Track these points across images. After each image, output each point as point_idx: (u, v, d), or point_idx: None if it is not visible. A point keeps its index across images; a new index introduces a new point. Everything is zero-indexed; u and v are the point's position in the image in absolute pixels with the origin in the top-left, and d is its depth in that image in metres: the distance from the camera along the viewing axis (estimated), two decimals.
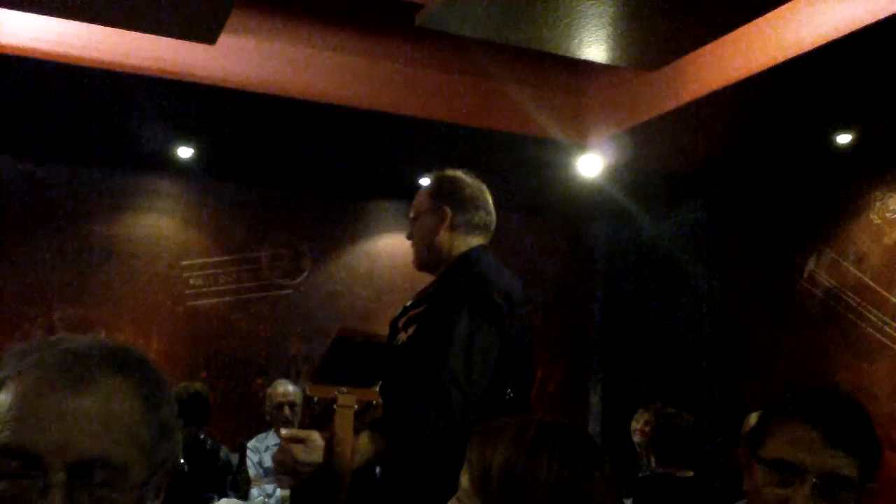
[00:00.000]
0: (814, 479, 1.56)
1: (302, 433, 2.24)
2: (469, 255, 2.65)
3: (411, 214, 2.76)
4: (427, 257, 2.70)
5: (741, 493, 1.77)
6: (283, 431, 2.27)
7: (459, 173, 2.78)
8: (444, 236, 2.65)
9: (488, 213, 2.74)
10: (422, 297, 2.65)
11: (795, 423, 1.61)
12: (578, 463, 1.45)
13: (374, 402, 2.30)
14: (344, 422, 2.22)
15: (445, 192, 2.71)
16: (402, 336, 2.54)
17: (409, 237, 2.76)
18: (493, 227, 2.76)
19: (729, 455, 5.98)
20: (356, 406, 2.25)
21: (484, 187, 2.77)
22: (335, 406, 2.24)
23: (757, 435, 1.68)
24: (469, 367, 2.33)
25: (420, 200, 2.75)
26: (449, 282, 2.57)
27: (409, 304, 2.66)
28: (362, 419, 2.26)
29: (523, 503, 1.42)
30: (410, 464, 2.31)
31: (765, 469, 1.62)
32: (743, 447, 1.72)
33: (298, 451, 2.19)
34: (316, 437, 2.22)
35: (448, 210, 2.66)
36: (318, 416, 2.33)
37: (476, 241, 2.69)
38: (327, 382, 2.30)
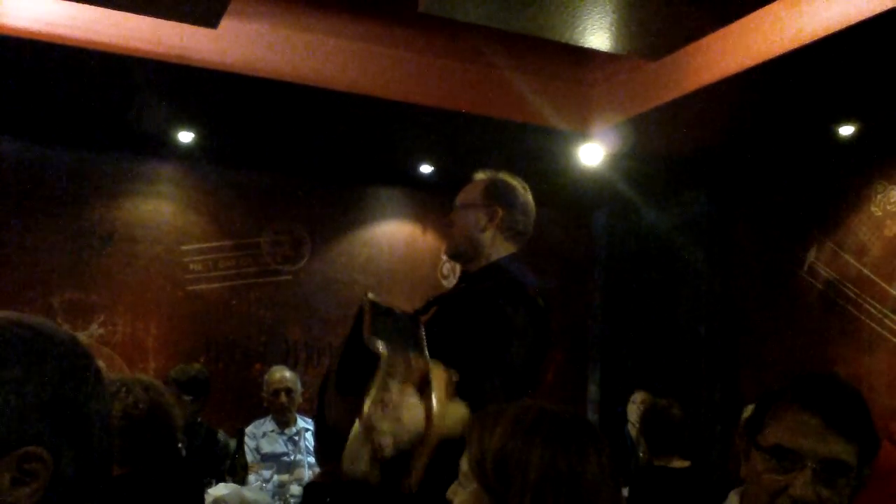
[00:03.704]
0: (813, 465, 1.56)
1: (404, 392, 2.18)
2: (507, 263, 2.70)
3: (458, 202, 2.78)
4: (465, 250, 2.73)
5: (738, 482, 1.76)
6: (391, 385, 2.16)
7: (514, 180, 2.81)
8: (488, 235, 2.69)
9: (529, 223, 2.78)
10: (450, 292, 2.77)
11: (795, 409, 1.60)
12: (574, 448, 1.45)
13: (454, 378, 2.28)
14: (441, 387, 2.20)
15: (501, 193, 2.74)
16: (423, 318, 2.54)
17: (449, 224, 2.78)
18: (529, 236, 2.81)
19: (728, 444, 5.99)
20: (450, 378, 2.25)
21: (530, 197, 2.81)
22: (431, 374, 2.21)
23: (755, 421, 1.67)
24: (528, 362, 2.43)
25: (472, 191, 2.77)
26: (492, 280, 2.62)
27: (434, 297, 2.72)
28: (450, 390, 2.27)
29: (516, 485, 1.42)
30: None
31: (764, 456, 1.61)
32: (741, 434, 1.71)
33: (405, 414, 2.14)
34: (416, 398, 2.18)
35: (500, 211, 2.70)
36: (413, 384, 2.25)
37: (512, 247, 2.74)
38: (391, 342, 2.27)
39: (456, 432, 2.08)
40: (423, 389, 2.20)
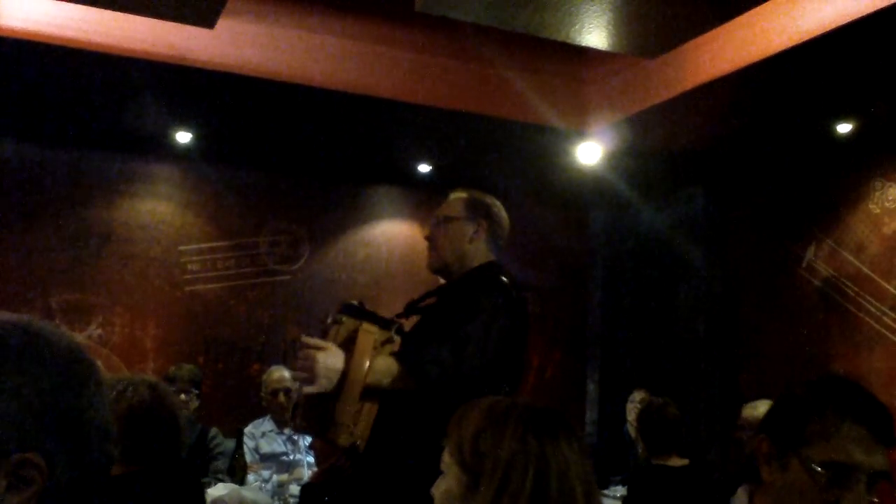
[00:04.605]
0: (866, 479, 1.59)
1: (323, 342, 2.43)
2: (491, 266, 2.83)
3: (441, 217, 2.88)
4: (452, 262, 2.83)
5: (740, 480, 1.76)
6: (306, 338, 2.44)
7: (488, 196, 2.96)
8: (473, 246, 2.83)
9: (505, 235, 2.96)
10: (431, 293, 2.86)
11: (849, 423, 1.61)
12: (544, 432, 1.54)
13: (393, 337, 2.51)
14: (365, 342, 2.42)
15: (482, 208, 2.88)
16: (404, 321, 2.70)
17: (431, 238, 2.88)
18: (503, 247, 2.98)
19: (727, 442, 5.99)
20: (379, 336, 2.47)
21: (504, 212, 2.97)
22: (359, 330, 2.43)
23: (794, 432, 1.66)
24: (488, 336, 2.52)
25: (454, 206, 2.89)
26: (476, 279, 2.76)
27: (414, 300, 2.86)
28: (382, 350, 2.47)
29: (489, 465, 1.52)
30: (415, 401, 2.46)
31: (815, 471, 1.61)
32: (765, 440, 1.69)
33: (320, 355, 2.37)
34: (337, 349, 2.41)
35: (485, 223, 2.85)
36: (341, 345, 2.48)
37: (492, 257, 2.87)
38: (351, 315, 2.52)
39: (380, 382, 2.41)
40: (348, 344, 2.44)
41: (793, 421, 1.67)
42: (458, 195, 2.93)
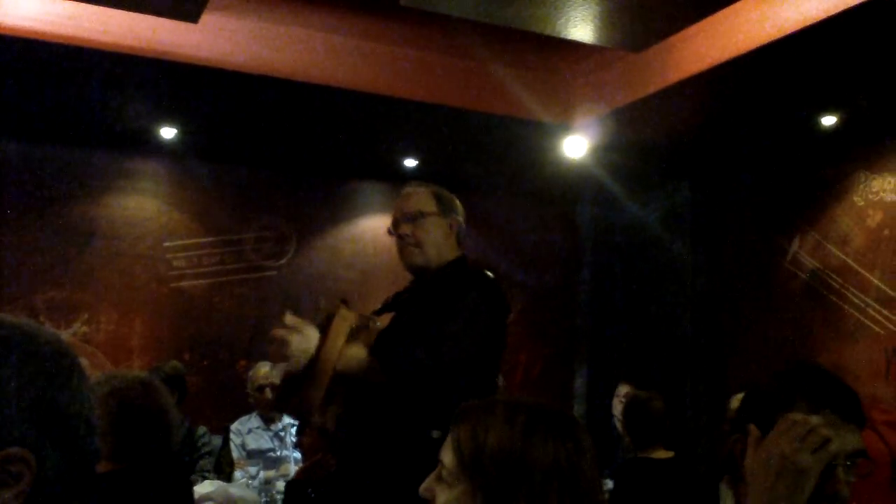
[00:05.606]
0: (842, 463, 1.58)
1: (301, 323, 2.47)
2: (465, 261, 2.79)
3: (412, 213, 2.75)
4: (434, 256, 2.72)
5: (725, 473, 1.77)
6: (289, 317, 2.50)
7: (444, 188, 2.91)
8: (449, 242, 2.76)
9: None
10: (406, 290, 2.82)
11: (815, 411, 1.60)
12: (570, 442, 1.46)
13: (371, 323, 2.53)
14: (340, 326, 2.45)
15: (449, 204, 2.80)
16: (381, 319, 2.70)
17: (407, 235, 2.73)
18: None
19: (713, 434, 6.01)
20: (355, 322, 2.48)
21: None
22: (335, 314, 2.47)
23: (766, 429, 1.59)
24: (467, 332, 2.48)
25: (424, 201, 2.77)
26: (454, 275, 2.70)
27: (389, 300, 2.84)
28: (357, 336, 2.48)
29: (522, 485, 1.40)
30: (387, 394, 2.45)
31: None
32: (739, 440, 1.69)
33: (294, 337, 2.42)
34: (312, 330, 2.46)
35: (457, 217, 2.80)
36: (318, 327, 2.51)
37: (460, 252, 2.81)
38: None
39: (351, 369, 2.43)
40: (325, 327, 2.47)
41: (761, 417, 1.63)
42: (420, 189, 2.82)
